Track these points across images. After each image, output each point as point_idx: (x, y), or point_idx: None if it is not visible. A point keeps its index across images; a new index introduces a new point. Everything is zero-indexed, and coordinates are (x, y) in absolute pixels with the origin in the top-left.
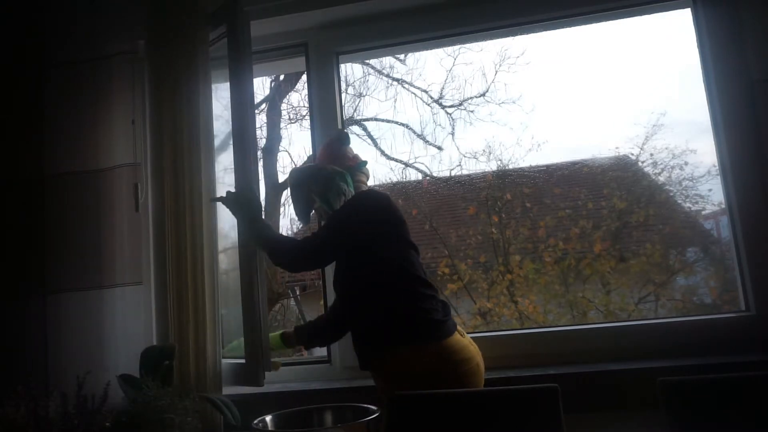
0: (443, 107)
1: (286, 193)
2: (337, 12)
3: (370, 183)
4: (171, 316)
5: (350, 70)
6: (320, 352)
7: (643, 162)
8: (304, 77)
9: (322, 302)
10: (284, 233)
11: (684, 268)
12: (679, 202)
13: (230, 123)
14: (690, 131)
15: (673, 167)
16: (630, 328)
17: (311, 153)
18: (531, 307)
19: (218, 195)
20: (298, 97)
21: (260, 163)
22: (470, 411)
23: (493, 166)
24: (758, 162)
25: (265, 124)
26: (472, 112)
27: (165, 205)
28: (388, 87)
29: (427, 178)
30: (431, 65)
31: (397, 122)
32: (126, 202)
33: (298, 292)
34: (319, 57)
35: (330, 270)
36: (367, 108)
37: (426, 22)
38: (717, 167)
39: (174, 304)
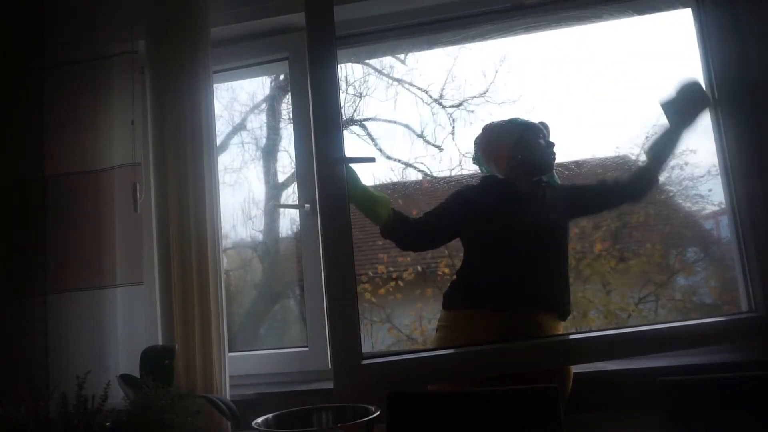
0: (443, 107)
1: (286, 194)
2: None
3: (370, 183)
4: (176, 316)
5: (350, 70)
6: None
7: (643, 162)
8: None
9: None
10: (283, 234)
11: (684, 268)
12: (679, 202)
13: (231, 123)
14: (690, 131)
15: (673, 167)
16: (634, 334)
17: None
18: None
19: (220, 195)
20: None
21: (260, 163)
22: (470, 411)
23: None
24: (761, 161)
25: (264, 124)
26: (472, 112)
27: (168, 205)
28: (388, 87)
29: (427, 178)
30: (431, 65)
31: (397, 122)
32: (126, 202)
33: (297, 292)
34: None
35: None
36: (367, 108)
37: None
38: (717, 167)
39: (179, 304)
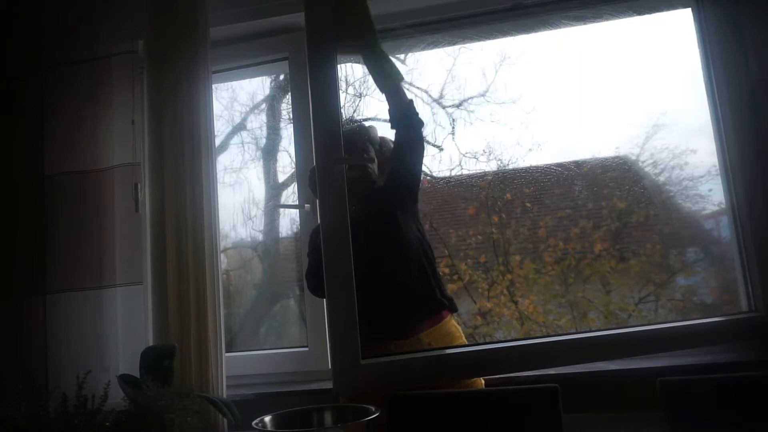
0: (443, 107)
1: (286, 194)
2: None
3: None
4: (172, 316)
5: (350, 70)
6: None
7: (643, 162)
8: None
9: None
10: (283, 234)
11: (684, 268)
12: (679, 202)
13: (231, 123)
14: (690, 131)
15: (673, 167)
16: (634, 334)
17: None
18: (531, 307)
19: (220, 195)
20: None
21: (260, 163)
22: (470, 411)
23: (493, 166)
24: (761, 161)
25: (264, 124)
26: (472, 112)
27: (165, 205)
28: None
29: (427, 178)
30: (431, 65)
31: None
32: (126, 202)
33: (297, 292)
34: None
35: None
36: (367, 108)
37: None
38: (717, 167)
39: (175, 304)
